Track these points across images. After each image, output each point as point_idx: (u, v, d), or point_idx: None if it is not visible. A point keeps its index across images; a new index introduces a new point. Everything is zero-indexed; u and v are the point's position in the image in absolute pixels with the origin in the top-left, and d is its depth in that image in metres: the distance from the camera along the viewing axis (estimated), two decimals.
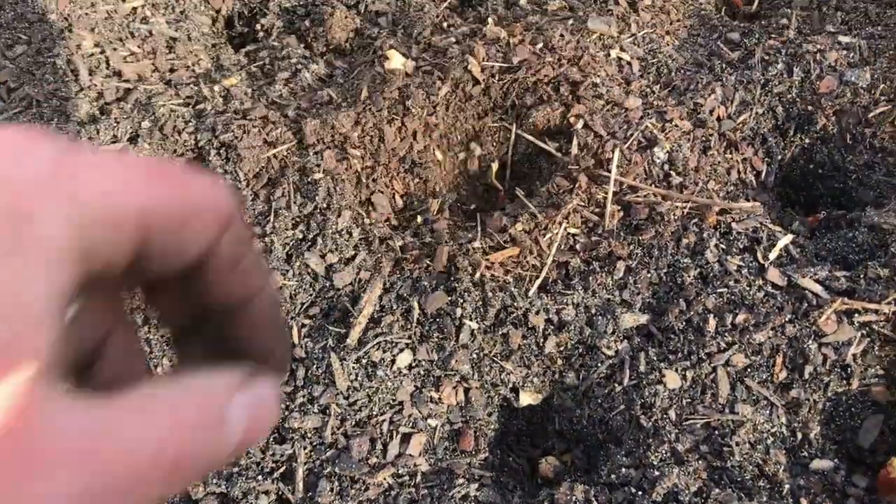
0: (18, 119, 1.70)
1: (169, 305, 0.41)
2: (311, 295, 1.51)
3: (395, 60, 1.74)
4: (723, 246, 1.47)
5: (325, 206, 1.56)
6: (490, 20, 1.79)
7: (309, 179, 1.58)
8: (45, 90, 1.76)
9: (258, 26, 1.98)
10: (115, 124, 1.71)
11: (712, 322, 1.39)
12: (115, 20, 1.90)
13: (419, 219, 1.59)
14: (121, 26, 1.89)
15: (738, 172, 1.63)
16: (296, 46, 1.90)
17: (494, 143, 1.70)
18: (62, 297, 0.30)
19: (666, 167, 1.56)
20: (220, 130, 1.66)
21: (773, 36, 1.76)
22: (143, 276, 0.37)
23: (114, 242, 0.33)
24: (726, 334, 1.38)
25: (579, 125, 1.60)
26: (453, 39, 1.80)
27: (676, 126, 1.60)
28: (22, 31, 1.84)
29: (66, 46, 1.82)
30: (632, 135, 1.57)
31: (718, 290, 1.42)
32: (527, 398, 1.44)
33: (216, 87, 1.77)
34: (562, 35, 1.72)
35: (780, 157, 1.65)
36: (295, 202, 1.57)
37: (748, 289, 1.41)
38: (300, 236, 1.55)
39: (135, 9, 1.93)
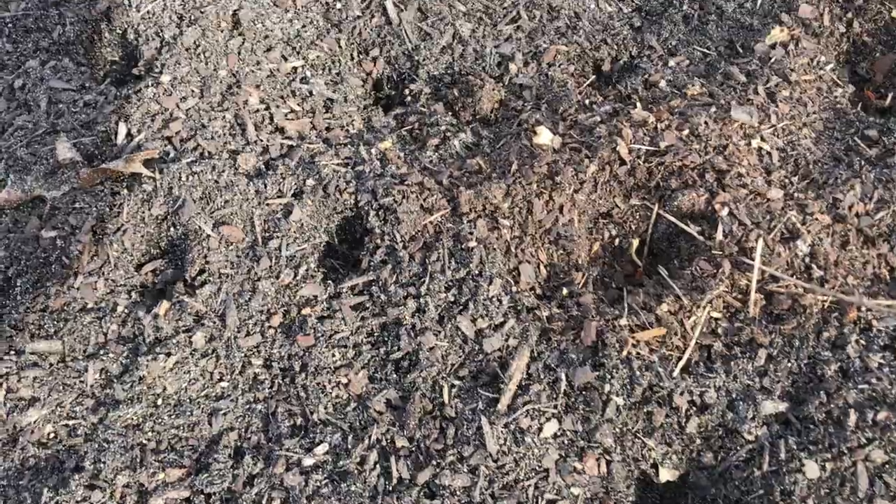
0: (191, 168, 1.85)
1: None
2: (460, 357, 1.62)
3: (544, 136, 1.85)
4: (863, 342, 1.54)
5: (477, 272, 1.67)
6: (638, 104, 1.89)
7: (463, 246, 1.70)
8: (216, 143, 1.91)
9: (406, 91, 2.11)
10: (280, 180, 1.86)
11: (853, 416, 1.46)
12: (277, 78, 2.05)
13: (564, 290, 1.69)
14: (283, 84, 2.05)
15: (874, 268, 1.69)
16: (443, 113, 2.03)
17: (635, 221, 1.80)
18: None
19: (808, 259, 1.64)
20: (381, 194, 1.79)
21: None
22: None
23: None
24: (867, 430, 1.45)
25: (724, 212, 1.69)
26: (598, 118, 1.91)
27: (817, 220, 1.68)
28: (195, 84, 2.00)
29: (234, 102, 1.98)
30: (775, 226, 1.66)
31: (860, 386, 1.49)
32: (666, 474, 1.52)
33: (373, 150, 1.91)
34: (706, 123, 1.82)
35: None
36: (449, 267, 1.68)
37: (890, 387, 1.48)
38: (452, 300, 1.66)
39: (295, 68, 2.09)
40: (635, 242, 1.80)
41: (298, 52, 2.11)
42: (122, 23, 2.13)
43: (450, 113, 2.05)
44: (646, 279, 1.77)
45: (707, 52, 2.10)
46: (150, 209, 1.83)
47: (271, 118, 1.99)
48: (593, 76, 2.19)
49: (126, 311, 1.73)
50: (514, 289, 1.68)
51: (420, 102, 2.09)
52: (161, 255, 1.87)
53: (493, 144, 1.95)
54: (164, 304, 1.75)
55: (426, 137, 1.98)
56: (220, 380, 1.68)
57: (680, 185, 1.76)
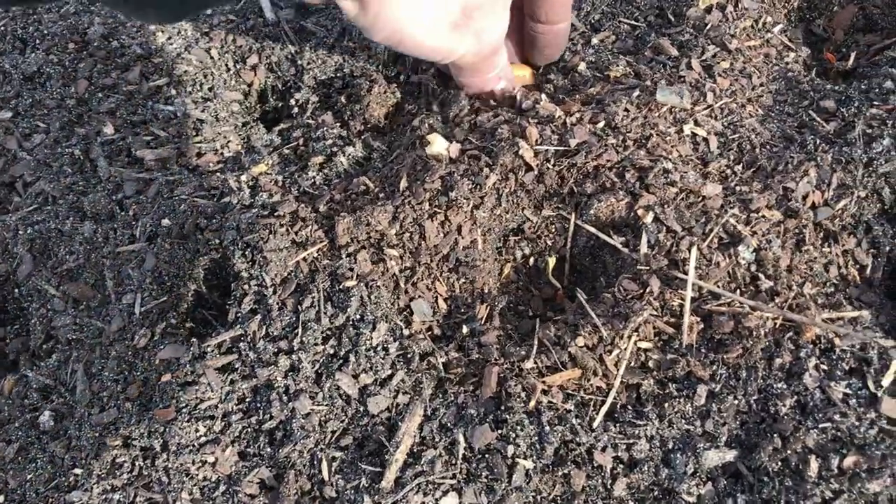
0: (33, 217, 1.61)
1: None
2: (342, 422, 1.36)
3: (438, 145, 1.59)
4: (824, 367, 1.27)
5: (358, 317, 1.41)
6: (543, 95, 1.62)
7: (340, 287, 1.44)
8: (62, 184, 1.66)
9: (292, 101, 1.85)
10: (133, 221, 1.60)
11: (814, 464, 1.19)
12: (136, 101, 1.80)
13: (465, 328, 1.42)
14: (144, 108, 1.80)
15: (839, 268, 1.42)
16: (331, 125, 1.77)
17: (550, 235, 1.53)
18: None
19: (753, 268, 1.36)
20: (245, 230, 1.54)
21: (875, 103, 1.55)
22: None
23: None
24: (832, 480, 1.18)
25: (649, 218, 1.41)
26: (503, 118, 1.64)
27: (764, 217, 1.40)
28: (40, 118, 1.75)
29: (84, 135, 1.73)
30: (711, 230, 1.38)
31: (821, 425, 1.21)
32: None
33: (243, 177, 1.65)
34: (626, 111, 1.55)
35: (888, 248, 1.43)
36: (325, 313, 1.42)
37: (857, 424, 1.20)
38: (331, 352, 1.40)
39: (159, 87, 1.83)
40: (552, 260, 1.53)
41: (161, 69, 1.85)
42: None
43: (338, 123, 1.78)
44: (567, 303, 1.50)
45: (635, 24, 1.82)
46: None
47: (129, 149, 1.73)
48: None
49: None
50: (404, 332, 1.42)
51: (307, 114, 1.83)
52: (10, 322, 1.63)
53: (385, 158, 1.68)
54: (8, 381, 1.51)
55: (310, 155, 1.72)
56: (73, 466, 1.44)
57: (596, 190, 1.48)
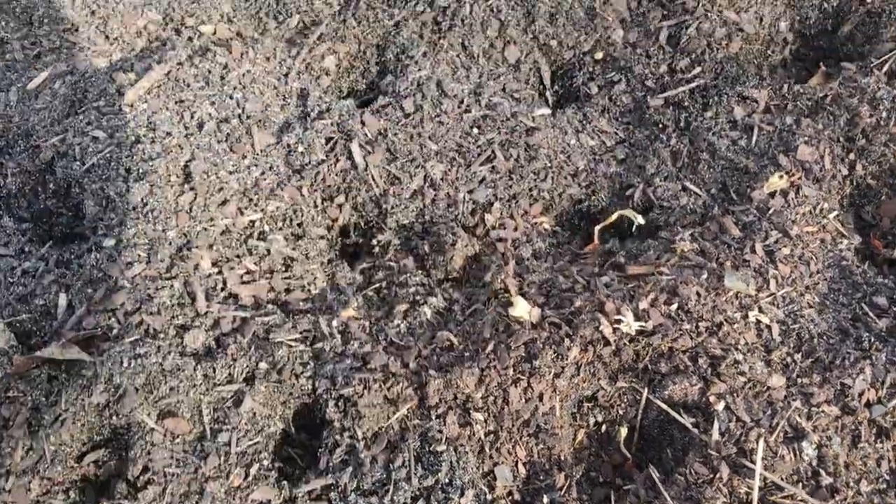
0: (137, 349, 1.72)
1: None
2: None
3: (521, 307, 1.72)
4: None
5: (447, 480, 1.53)
6: (616, 276, 1.76)
7: (431, 448, 1.56)
8: (163, 317, 1.78)
9: (374, 241, 1.99)
10: (231, 362, 1.72)
11: None
12: (232, 235, 1.93)
13: (546, 498, 1.54)
14: (238, 242, 1.93)
15: (889, 462, 1.55)
16: (413, 270, 1.90)
17: (622, 406, 1.66)
18: None
19: (815, 463, 1.49)
20: (341, 382, 1.66)
21: None
22: None
23: None
24: None
25: (720, 406, 1.55)
26: (580, 281, 1.79)
27: (824, 412, 1.54)
28: (142, 247, 1.88)
29: (184, 267, 1.85)
30: (777, 423, 1.52)
31: None
32: None
33: (334, 322, 1.78)
34: (697, 294, 1.69)
35: None
36: (415, 474, 1.54)
37: None
38: None
39: (252, 222, 1.96)
40: (623, 430, 1.66)
41: (256, 204, 1.99)
42: (67, 176, 2.01)
43: (420, 270, 1.92)
44: (636, 472, 1.63)
45: (698, 194, 1.98)
46: (89, 397, 1.70)
47: (224, 283, 1.86)
48: (573, 222, 2.08)
49: None
50: (488, 497, 1.54)
51: (388, 255, 1.96)
52: (104, 444, 1.73)
53: (464, 311, 1.82)
54: None
55: (394, 301, 1.85)
56: None
57: (670, 370, 1.62)
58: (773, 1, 2.25)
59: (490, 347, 1.67)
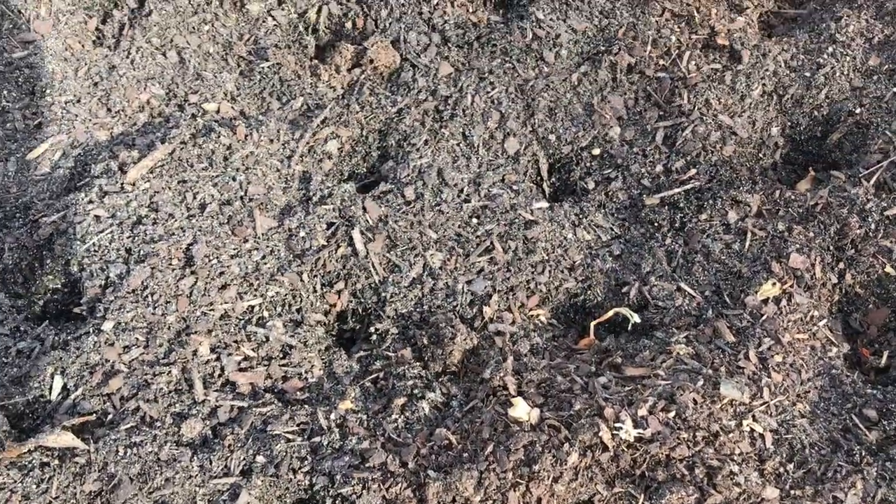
0: (129, 439, 1.72)
1: None
2: None
3: (520, 408, 1.75)
4: None
5: None
6: (613, 377, 1.81)
7: None
8: (160, 405, 1.78)
9: (372, 329, 2.01)
10: (228, 454, 1.72)
11: None
12: (231, 320, 1.94)
13: None
14: (237, 328, 1.94)
15: None
16: (411, 362, 1.92)
17: None
18: None
19: None
20: (339, 480, 1.67)
21: None
22: None
23: None
24: None
25: None
26: (577, 381, 1.82)
27: None
28: (140, 332, 1.88)
29: (182, 353, 1.86)
30: None
31: None
32: None
33: (332, 415, 1.79)
34: (694, 402, 1.73)
35: None
36: None
37: None
38: None
39: (252, 307, 1.98)
40: None
41: (256, 289, 2.00)
42: (66, 253, 2.02)
43: (418, 362, 1.94)
44: None
45: (693, 296, 2.03)
46: (82, 485, 1.69)
47: (222, 370, 1.87)
48: (568, 315, 2.12)
49: None
50: None
51: (386, 344, 1.99)
52: None
53: (462, 407, 1.84)
54: None
55: (392, 393, 1.87)
56: None
57: (667, 479, 1.65)
58: (765, 106, 2.34)
59: (489, 449, 1.70)
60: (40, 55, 2.40)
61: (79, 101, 2.37)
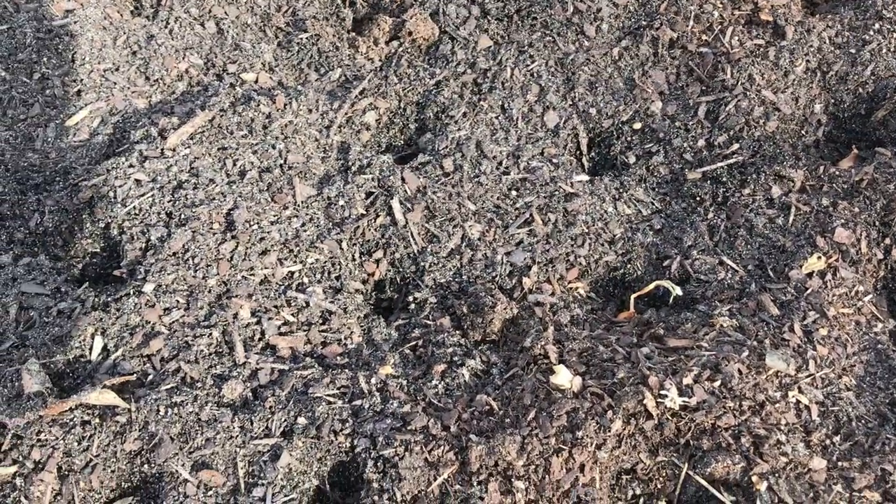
0: (173, 398, 1.72)
1: None
2: None
3: (563, 376, 1.75)
4: None
5: None
6: (656, 348, 1.80)
7: None
8: (200, 366, 1.79)
9: (411, 298, 2.01)
10: (269, 415, 1.73)
11: None
12: (272, 286, 1.95)
13: None
14: (277, 293, 1.94)
15: None
16: (450, 331, 1.92)
17: (661, 480, 1.67)
18: None
19: None
20: (381, 442, 1.67)
21: None
22: None
23: None
24: None
25: (763, 486, 1.57)
26: (619, 351, 1.81)
27: (866, 499, 1.57)
28: (181, 294, 1.89)
29: (223, 316, 1.86)
30: None
31: None
32: None
33: (372, 380, 1.79)
34: (739, 372, 1.72)
35: None
36: None
37: None
38: None
39: (292, 273, 1.98)
40: None
41: (296, 256, 2.01)
42: (106, 216, 2.03)
43: (457, 331, 1.94)
44: None
45: (736, 270, 2.02)
46: (122, 444, 1.69)
47: (262, 334, 1.87)
48: (608, 289, 2.11)
49: None
50: None
51: (425, 313, 1.98)
52: (132, 492, 1.72)
53: (503, 375, 1.83)
54: None
55: (432, 361, 1.86)
56: None
57: (712, 447, 1.64)
58: (809, 83, 2.33)
59: (532, 415, 1.69)
60: (80, 23, 2.42)
61: (117, 69, 2.38)
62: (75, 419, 1.72)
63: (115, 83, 2.35)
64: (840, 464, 1.64)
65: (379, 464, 1.66)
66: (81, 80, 2.35)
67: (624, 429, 1.67)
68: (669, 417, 1.68)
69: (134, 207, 2.02)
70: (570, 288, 2.05)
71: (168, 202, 2.02)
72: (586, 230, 2.11)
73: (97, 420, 1.72)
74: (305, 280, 1.99)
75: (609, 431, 1.66)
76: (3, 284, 1.94)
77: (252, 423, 1.72)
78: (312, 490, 1.70)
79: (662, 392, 1.67)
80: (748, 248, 2.05)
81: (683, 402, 1.67)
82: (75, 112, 2.29)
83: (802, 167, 2.14)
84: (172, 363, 1.80)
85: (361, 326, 1.97)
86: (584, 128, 2.33)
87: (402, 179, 2.16)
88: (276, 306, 1.93)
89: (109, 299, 1.90)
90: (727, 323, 1.87)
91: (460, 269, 2.05)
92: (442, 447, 1.67)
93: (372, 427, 1.71)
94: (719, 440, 1.65)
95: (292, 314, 1.93)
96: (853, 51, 2.35)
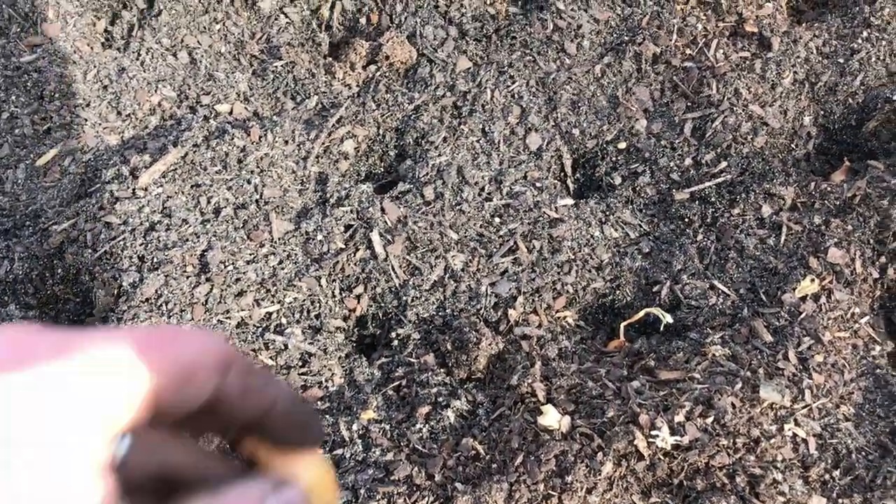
0: None
1: (200, 431, 0.53)
2: None
3: (551, 416, 1.69)
4: None
5: None
6: (647, 381, 1.74)
7: None
8: None
9: (393, 335, 1.95)
10: None
11: None
12: (249, 328, 1.89)
13: None
14: (255, 335, 1.88)
15: None
16: (434, 368, 1.86)
17: None
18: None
19: None
20: (363, 496, 1.61)
21: None
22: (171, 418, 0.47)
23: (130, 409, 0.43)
24: None
25: None
26: (609, 386, 1.75)
27: None
28: None
29: None
30: None
31: None
32: None
33: (354, 426, 1.73)
34: (732, 406, 1.66)
35: None
36: None
37: None
38: None
39: (269, 314, 1.92)
40: None
41: (274, 295, 1.95)
42: (77, 262, 1.97)
43: (441, 368, 1.88)
44: None
45: (727, 294, 1.96)
46: None
47: None
48: (596, 316, 2.05)
49: None
50: None
51: (408, 350, 1.92)
52: None
53: (489, 415, 1.77)
54: None
55: (416, 402, 1.80)
56: None
57: (706, 488, 1.59)
58: (797, 95, 2.26)
59: (519, 460, 1.63)
60: (48, 59, 2.36)
61: (88, 104, 2.32)
62: None
63: (85, 119, 2.29)
64: (840, 501, 1.58)
65: None
66: (51, 117, 2.29)
67: (615, 471, 1.61)
68: (661, 457, 1.62)
69: (105, 252, 1.96)
70: (558, 317, 1.99)
71: (140, 245, 1.96)
72: (573, 256, 2.05)
73: None
74: (284, 321, 1.93)
75: (600, 475, 1.60)
76: None
77: None
78: None
79: (653, 432, 1.61)
80: (739, 271, 1.99)
81: (675, 441, 1.61)
82: (45, 151, 2.23)
83: (793, 184, 2.08)
84: None
85: (343, 367, 1.91)
86: (567, 149, 2.27)
87: (382, 210, 2.10)
88: (254, 350, 1.87)
89: None
90: (719, 352, 1.81)
91: (443, 301, 1.99)
92: (426, 498, 1.61)
93: (354, 479, 1.65)
94: (713, 480, 1.59)
95: (271, 357, 1.87)
96: (841, 60, 2.29)
